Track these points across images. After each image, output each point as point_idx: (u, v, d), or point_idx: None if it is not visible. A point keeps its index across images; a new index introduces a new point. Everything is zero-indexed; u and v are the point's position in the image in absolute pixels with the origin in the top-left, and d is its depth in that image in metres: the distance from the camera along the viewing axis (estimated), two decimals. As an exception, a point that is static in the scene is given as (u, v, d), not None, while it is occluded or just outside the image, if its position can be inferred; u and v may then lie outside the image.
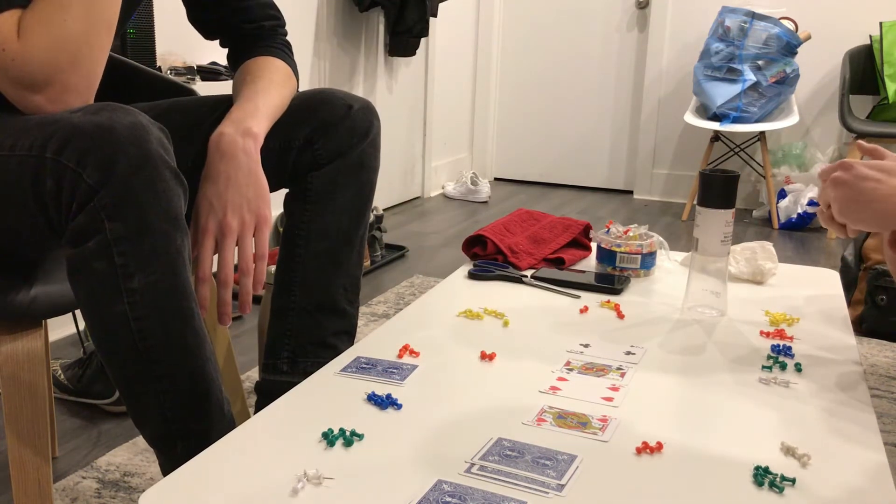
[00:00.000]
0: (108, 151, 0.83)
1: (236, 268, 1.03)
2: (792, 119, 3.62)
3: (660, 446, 0.76)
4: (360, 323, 1.41)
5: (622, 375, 0.93)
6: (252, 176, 1.04)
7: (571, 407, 0.85)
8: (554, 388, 0.89)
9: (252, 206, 1.03)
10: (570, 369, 0.95)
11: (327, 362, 0.97)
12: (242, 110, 1.08)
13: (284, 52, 1.26)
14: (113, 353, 0.90)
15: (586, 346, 1.03)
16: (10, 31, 0.89)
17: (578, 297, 1.24)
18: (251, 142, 1.05)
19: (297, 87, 1.24)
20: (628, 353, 1.01)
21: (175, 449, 0.94)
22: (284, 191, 1.21)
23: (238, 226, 1.02)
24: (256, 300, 2.36)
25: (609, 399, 0.86)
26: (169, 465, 0.94)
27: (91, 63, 0.93)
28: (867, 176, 0.92)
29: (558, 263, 1.40)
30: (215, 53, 2.45)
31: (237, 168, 1.03)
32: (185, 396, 0.92)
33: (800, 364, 0.99)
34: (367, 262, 2.80)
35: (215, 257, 1.03)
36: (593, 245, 1.46)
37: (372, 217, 2.43)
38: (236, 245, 1.03)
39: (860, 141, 1.08)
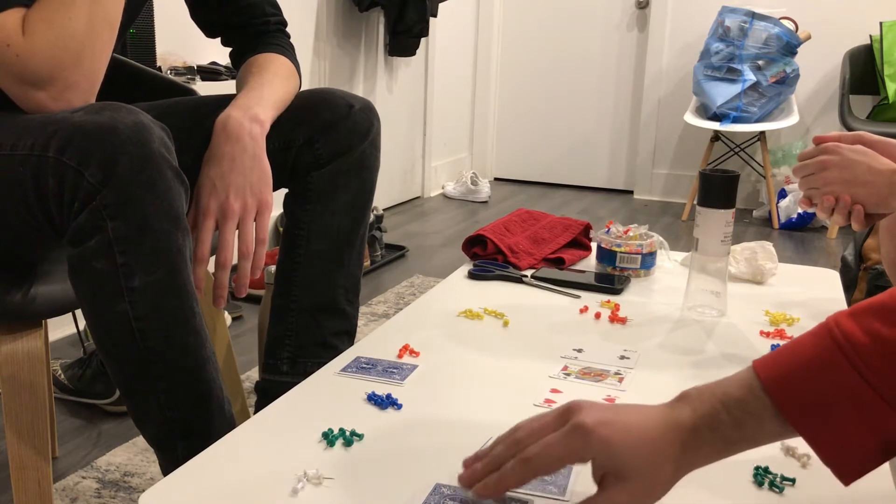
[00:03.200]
0: (110, 151, 0.83)
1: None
2: (792, 119, 3.62)
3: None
4: (360, 323, 1.41)
5: (620, 381, 0.92)
6: (257, 160, 1.04)
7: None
8: (549, 402, 0.87)
9: (255, 190, 1.03)
10: (568, 374, 0.94)
11: (327, 362, 0.97)
12: (249, 97, 1.09)
13: (288, 51, 1.26)
14: (113, 352, 0.91)
15: (580, 350, 1.02)
16: (15, 28, 0.89)
17: (578, 297, 1.24)
18: (258, 127, 1.05)
19: (300, 86, 1.24)
20: (622, 357, 1.00)
21: (175, 449, 0.94)
22: (284, 191, 1.21)
23: (240, 209, 1.02)
24: (254, 295, 2.35)
25: None
26: (169, 465, 0.94)
27: (94, 61, 0.94)
28: (854, 151, 1.08)
29: (558, 263, 1.40)
30: (215, 53, 2.45)
31: (242, 151, 1.03)
32: (185, 396, 0.93)
33: (800, 364, 0.98)
34: (367, 262, 2.80)
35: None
36: (593, 245, 1.46)
37: (372, 217, 2.43)
38: (236, 228, 1.03)
39: (817, 135, 1.14)
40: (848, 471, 0.60)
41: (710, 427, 0.61)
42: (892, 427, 0.57)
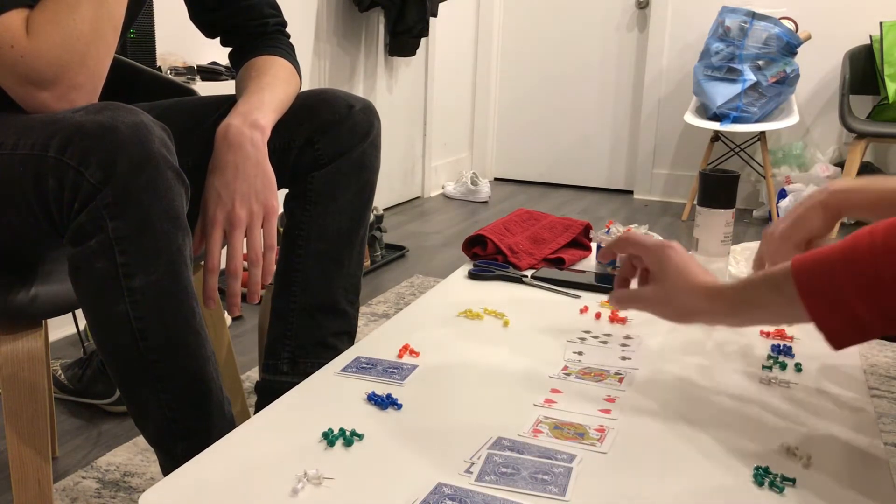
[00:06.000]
0: (111, 151, 0.83)
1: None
2: (792, 119, 3.62)
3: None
4: (360, 323, 1.41)
5: (620, 381, 0.92)
6: (260, 167, 1.04)
7: (568, 417, 0.83)
8: (549, 402, 0.87)
9: (260, 197, 1.04)
10: (568, 374, 0.94)
11: (327, 362, 0.97)
12: (249, 103, 1.09)
13: (288, 52, 1.26)
14: (114, 352, 0.91)
15: (580, 351, 1.02)
16: (19, 28, 0.89)
17: (578, 297, 1.24)
18: (258, 133, 1.05)
19: (300, 86, 1.24)
20: (622, 357, 1.00)
21: (175, 449, 0.94)
22: (285, 191, 1.21)
23: (247, 216, 1.03)
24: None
25: (607, 412, 0.85)
26: (169, 464, 0.94)
27: (98, 62, 0.94)
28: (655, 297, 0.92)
29: (558, 263, 1.40)
30: (215, 53, 2.45)
31: (245, 158, 1.03)
32: (185, 396, 0.93)
33: (800, 364, 0.99)
34: (367, 262, 2.80)
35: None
36: (593, 245, 1.46)
37: (372, 217, 2.43)
38: (245, 236, 1.03)
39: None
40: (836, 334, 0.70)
41: (732, 287, 0.80)
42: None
